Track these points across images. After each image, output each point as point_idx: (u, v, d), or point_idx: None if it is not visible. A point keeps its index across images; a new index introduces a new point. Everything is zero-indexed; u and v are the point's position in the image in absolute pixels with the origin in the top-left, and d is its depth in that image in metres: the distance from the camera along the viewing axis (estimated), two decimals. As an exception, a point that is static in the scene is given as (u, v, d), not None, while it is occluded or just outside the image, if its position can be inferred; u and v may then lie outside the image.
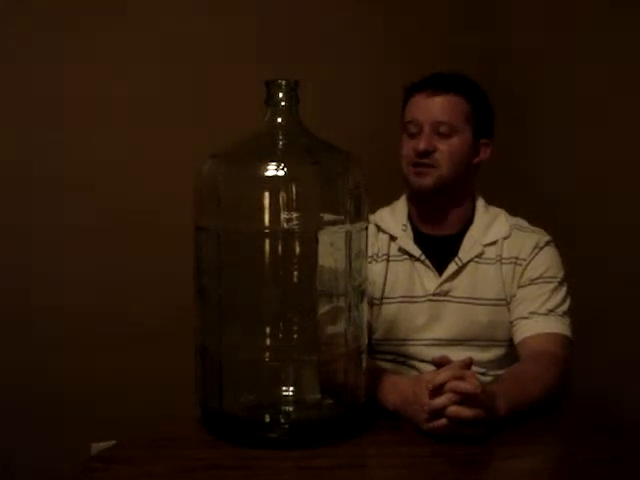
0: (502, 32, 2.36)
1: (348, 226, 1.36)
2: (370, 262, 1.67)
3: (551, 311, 1.63)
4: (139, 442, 1.37)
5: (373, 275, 1.67)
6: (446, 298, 1.68)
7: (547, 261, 1.68)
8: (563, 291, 1.67)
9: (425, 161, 1.65)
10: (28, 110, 2.01)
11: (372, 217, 1.77)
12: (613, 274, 2.00)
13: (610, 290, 2.02)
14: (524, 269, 1.67)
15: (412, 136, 1.68)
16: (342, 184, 1.35)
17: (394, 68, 2.32)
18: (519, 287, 1.67)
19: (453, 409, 1.31)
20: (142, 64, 2.09)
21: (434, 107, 1.65)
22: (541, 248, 1.69)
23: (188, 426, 1.41)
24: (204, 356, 1.39)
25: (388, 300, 1.70)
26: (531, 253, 1.68)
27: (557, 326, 1.62)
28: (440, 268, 1.70)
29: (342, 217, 1.35)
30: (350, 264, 1.37)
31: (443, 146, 1.65)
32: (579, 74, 2.12)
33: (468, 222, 1.73)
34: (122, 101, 2.08)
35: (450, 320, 1.68)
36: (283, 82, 1.38)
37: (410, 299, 1.69)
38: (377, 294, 1.70)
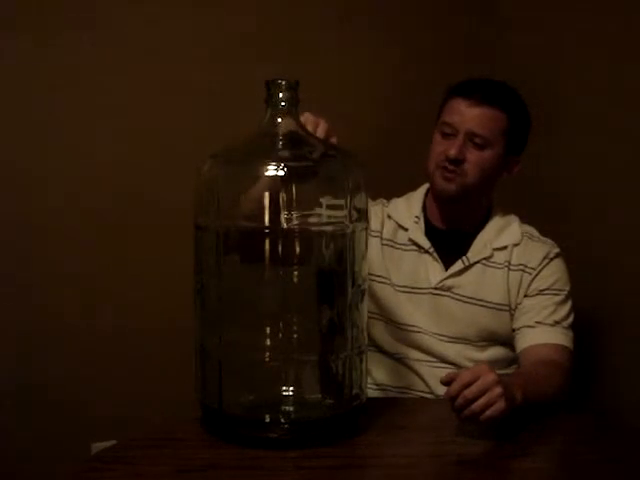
0: (502, 32, 2.36)
1: (348, 226, 1.36)
2: (372, 237, 1.68)
3: (557, 323, 1.64)
4: (139, 442, 1.37)
5: (372, 250, 1.67)
6: (448, 294, 1.69)
7: (556, 273, 1.69)
8: (568, 305, 1.68)
9: (453, 168, 1.65)
10: (27, 109, 2.00)
11: (386, 203, 1.80)
12: (613, 274, 2.00)
13: (610, 290, 2.02)
14: (532, 279, 1.68)
15: (446, 136, 1.67)
16: (342, 184, 1.35)
17: (394, 68, 2.32)
18: (525, 296, 1.68)
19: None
20: (142, 64, 2.08)
21: (474, 118, 1.65)
22: (551, 259, 1.70)
23: (188, 426, 1.41)
24: (204, 356, 1.39)
25: (391, 285, 1.71)
26: (540, 263, 1.69)
27: (563, 338, 1.64)
28: (447, 263, 1.70)
29: (342, 217, 1.35)
30: (350, 264, 1.37)
31: (474, 157, 1.65)
32: (579, 74, 2.11)
33: (482, 223, 1.74)
34: (122, 101, 2.07)
35: (450, 317, 1.68)
36: (283, 82, 1.38)
37: (412, 290, 1.70)
38: (378, 272, 1.70)
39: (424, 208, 1.77)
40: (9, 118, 2.00)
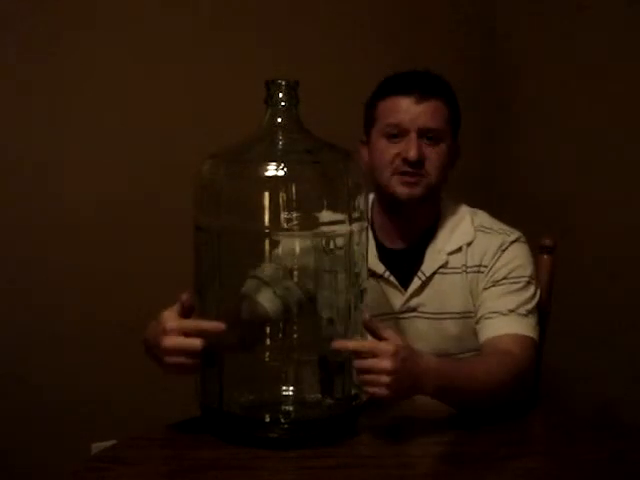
0: (502, 32, 2.37)
1: (348, 226, 1.36)
2: None
3: (512, 311, 1.55)
4: (139, 442, 1.37)
5: None
6: (414, 314, 1.61)
7: (511, 262, 1.59)
8: (530, 290, 1.58)
9: (415, 170, 1.56)
10: (27, 107, 2.01)
11: None
12: (613, 274, 2.00)
13: (610, 291, 2.02)
14: (486, 274, 1.59)
15: (393, 139, 1.58)
16: (342, 184, 1.35)
17: (394, 68, 2.32)
18: (483, 289, 1.59)
19: None
20: (142, 64, 2.09)
21: (423, 113, 1.57)
22: (504, 250, 1.60)
23: (188, 426, 1.41)
24: (204, 356, 1.39)
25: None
26: (493, 257, 1.59)
27: (518, 327, 1.53)
28: (406, 283, 1.62)
29: (342, 217, 1.35)
30: (350, 264, 1.37)
31: (432, 154, 1.57)
32: (578, 74, 2.12)
33: (432, 230, 1.64)
34: (121, 101, 2.08)
35: (422, 337, 1.58)
36: (283, 82, 1.38)
37: (377, 317, 1.53)
38: None
39: (372, 224, 1.64)
40: (9, 119, 2.00)
